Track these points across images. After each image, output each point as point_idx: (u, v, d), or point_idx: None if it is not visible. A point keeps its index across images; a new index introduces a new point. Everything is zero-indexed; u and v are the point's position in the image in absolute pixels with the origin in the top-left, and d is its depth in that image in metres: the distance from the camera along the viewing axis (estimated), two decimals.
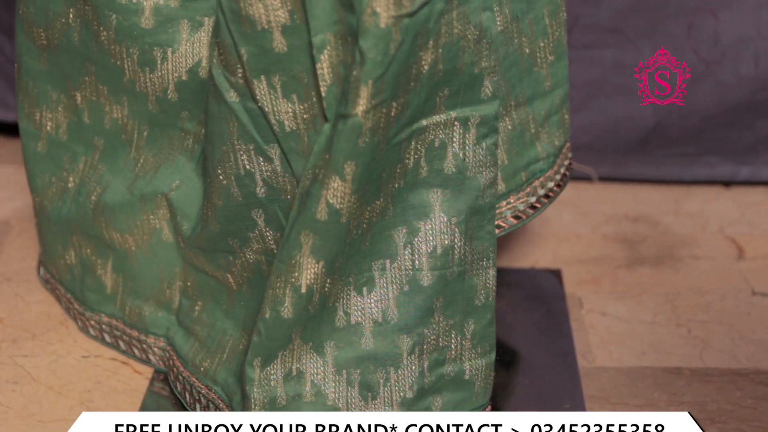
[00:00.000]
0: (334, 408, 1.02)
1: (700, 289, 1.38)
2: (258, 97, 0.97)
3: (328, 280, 0.99)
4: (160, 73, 1.06)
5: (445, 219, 1.00)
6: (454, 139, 0.99)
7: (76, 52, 1.10)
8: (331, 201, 0.94)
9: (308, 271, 0.97)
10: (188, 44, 1.05)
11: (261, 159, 1.00)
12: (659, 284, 1.39)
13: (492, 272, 1.04)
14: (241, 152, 1.01)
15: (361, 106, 0.89)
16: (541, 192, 1.14)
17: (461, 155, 0.99)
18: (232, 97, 0.99)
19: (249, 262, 1.07)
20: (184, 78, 1.06)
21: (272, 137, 0.99)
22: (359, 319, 1.02)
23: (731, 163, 1.63)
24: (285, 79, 0.95)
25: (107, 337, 1.23)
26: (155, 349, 1.20)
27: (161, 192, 1.13)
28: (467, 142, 0.99)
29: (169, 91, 1.07)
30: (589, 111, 1.59)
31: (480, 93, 0.98)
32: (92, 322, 1.24)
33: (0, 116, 1.69)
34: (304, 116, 0.96)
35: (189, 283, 1.15)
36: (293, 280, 0.98)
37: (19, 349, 1.24)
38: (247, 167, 1.01)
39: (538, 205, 1.14)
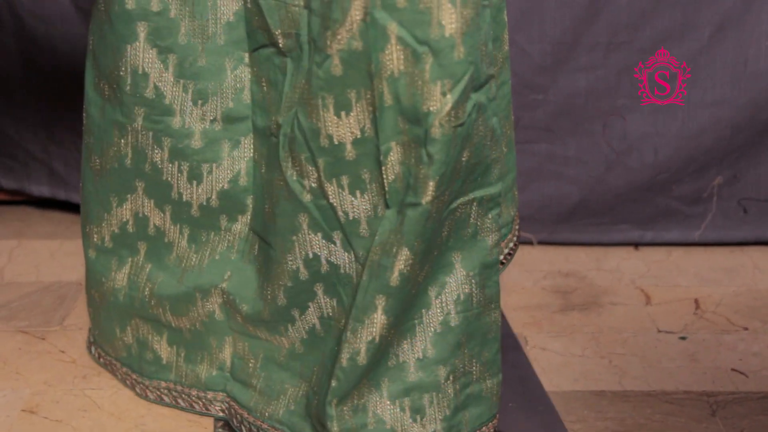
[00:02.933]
0: (393, 430, 1.00)
1: (617, 329, 1.37)
2: (329, 195, 0.96)
3: (391, 331, 0.98)
4: (204, 186, 1.05)
5: (464, 273, 0.99)
6: (471, 213, 0.98)
7: (127, 173, 1.07)
8: (402, 270, 0.94)
9: (381, 326, 0.96)
10: (229, 159, 1.04)
11: (327, 242, 0.99)
12: (586, 325, 1.38)
13: (498, 313, 1.03)
14: (312, 240, 0.99)
15: (428, 196, 0.91)
16: (506, 251, 1.13)
17: (476, 224, 0.99)
18: (306, 198, 0.98)
19: (304, 327, 1.04)
20: (225, 187, 1.05)
21: (337, 225, 0.97)
22: (405, 358, 0.99)
23: (638, 230, 1.62)
24: (351, 179, 0.95)
25: (166, 398, 1.16)
26: (216, 402, 1.13)
27: (214, 284, 1.09)
28: (479, 214, 0.99)
29: (211, 200, 1.05)
30: (529, 191, 1.59)
31: (490, 177, 0.98)
32: (151, 388, 1.16)
33: (75, 199, 1.68)
34: (365, 206, 0.96)
35: (239, 346, 1.10)
36: (368, 334, 0.96)
37: (88, 383, 1.22)
38: (315, 251, 1.00)
39: (505, 261, 1.14)
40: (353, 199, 0.95)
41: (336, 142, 0.93)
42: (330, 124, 0.93)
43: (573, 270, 1.54)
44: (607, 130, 1.56)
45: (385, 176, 0.93)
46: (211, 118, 1.02)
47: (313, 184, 0.97)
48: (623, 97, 1.54)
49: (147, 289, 1.11)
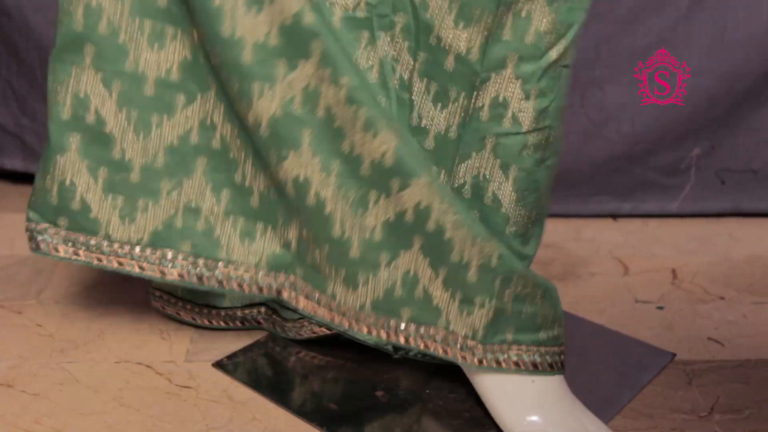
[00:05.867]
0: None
1: (595, 299, 1.38)
2: (414, 91, 0.96)
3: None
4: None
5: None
6: None
7: (202, 69, 0.97)
8: (495, 192, 0.97)
9: (474, 237, 0.97)
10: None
11: (393, 141, 0.96)
12: (564, 295, 1.39)
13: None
14: (381, 130, 0.95)
15: (527, 127, 0.94)
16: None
17: None
18: (393, 83, 0.97)
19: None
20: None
21: (406, 127, 0.97)
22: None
23: (617, 201, 1.64)
24: (438, 90, 0.95)
25: (213, 282, 1.03)
26: (277, 286, 1.04)
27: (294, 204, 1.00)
28: None
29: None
30: None
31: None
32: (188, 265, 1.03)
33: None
34: (439, 120, 0.96)
35: (304, 232, 1.02)
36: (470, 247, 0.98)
37: (65, 357, 1.22)
38: (379, 143, 0.97)
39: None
40: (432, 107, 0.96)
41: (442, 46, 0.93)
42: (445, 27, 0.92)
43: (551, 241, 1.56)
44: (585, 101, 1.57)
45: (473, 102, 0.94)
46: None
47: (404, 74, 0.96)
48: (601, 68, 1.54)
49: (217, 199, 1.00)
